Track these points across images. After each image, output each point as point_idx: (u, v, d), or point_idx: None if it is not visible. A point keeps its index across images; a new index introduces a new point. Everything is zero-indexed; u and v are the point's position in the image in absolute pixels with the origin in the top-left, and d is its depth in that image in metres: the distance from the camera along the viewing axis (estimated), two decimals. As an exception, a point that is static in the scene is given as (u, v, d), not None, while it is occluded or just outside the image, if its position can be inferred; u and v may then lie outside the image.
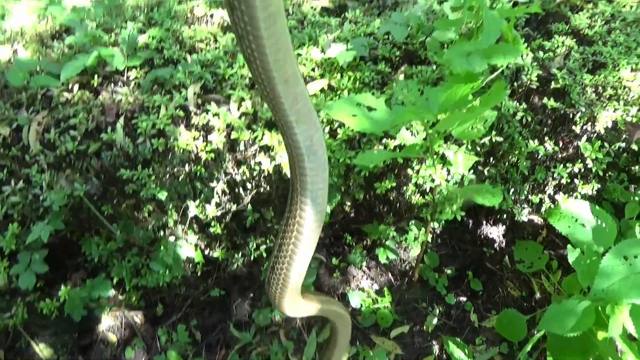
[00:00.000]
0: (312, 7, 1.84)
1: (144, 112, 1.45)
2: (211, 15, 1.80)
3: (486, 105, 1.12)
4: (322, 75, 1.57)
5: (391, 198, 2.09)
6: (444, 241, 2.41)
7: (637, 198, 2.03)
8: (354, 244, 2.26)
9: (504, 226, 2.41)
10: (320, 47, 1.64)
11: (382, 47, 1.65)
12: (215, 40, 1.72)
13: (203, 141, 1.45)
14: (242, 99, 1.49)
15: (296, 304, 0.88)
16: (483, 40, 1.10)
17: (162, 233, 1.81)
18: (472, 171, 1.68)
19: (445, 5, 1.41)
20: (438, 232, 2.39)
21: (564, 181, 1.83)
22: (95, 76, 1.60)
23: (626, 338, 1.66)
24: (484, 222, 2.43)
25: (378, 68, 1.61)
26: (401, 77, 1.59)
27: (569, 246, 1.83)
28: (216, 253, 1.97)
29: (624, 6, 1.86)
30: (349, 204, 2.28)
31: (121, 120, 1.44)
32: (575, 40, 1.75)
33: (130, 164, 1.46)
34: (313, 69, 1.58)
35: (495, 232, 2.41)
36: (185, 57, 1.66)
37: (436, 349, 2.04)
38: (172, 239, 1.81)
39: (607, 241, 1.73)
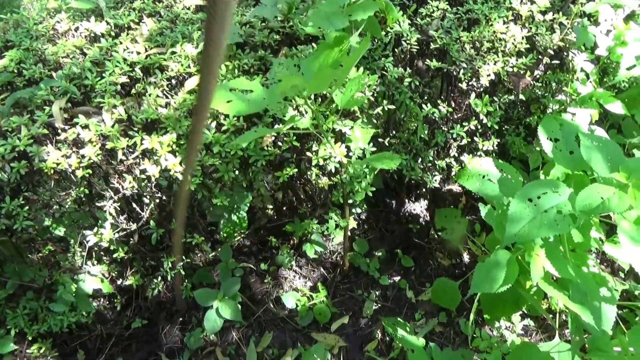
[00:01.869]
0: (185, 7, 1.77)
1: (2, 137, 1.31)
2: (76, 29, 1.69)
3: (353, 59, 1.10)
4: (199, 71, 1.50)
5: (307, 190, 2.04)
6: (370, 226, 2.38)
7: (537, 148, 2.10)
8: (279, 245, 2.18)
9: (426, 200, 2.42)
10: (195, 44, 1.57)
11: (259, 34, 1.61)
12: (83, 54, 1.61)
13: (76, 157, 1.32)
14: (114, 106, 1.38)
15: None
16: (339, -3, 1.07)
17: (59, 269, 1.64)
18: (372, 144, 1.66)
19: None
20: (363, 217, 2.36)
21: (464, 141, 1.85)
22: (-54, 110, 1.43)
23: (549, 280, 1.69)
24: (407, 200, 2.43)
25: (258, 54, 1.56)
26: (282, 59, 1.54)
27: (480, 203, 1.85)
28: (129, 280, 1.83)
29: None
30: (270, 206, 2.21)
31: (-24, 149, 1.29)
32: (447, 2, 1.79)
33: (-4, 195, 1.31)
34: (189, 65, 1.50)
35: (418, 208, 2.42)
36: (50, 75, 1.53)
37: (379, 333, 2.00)
38: (71, 273, 1.65)
39: (514, 191, 1.75)
